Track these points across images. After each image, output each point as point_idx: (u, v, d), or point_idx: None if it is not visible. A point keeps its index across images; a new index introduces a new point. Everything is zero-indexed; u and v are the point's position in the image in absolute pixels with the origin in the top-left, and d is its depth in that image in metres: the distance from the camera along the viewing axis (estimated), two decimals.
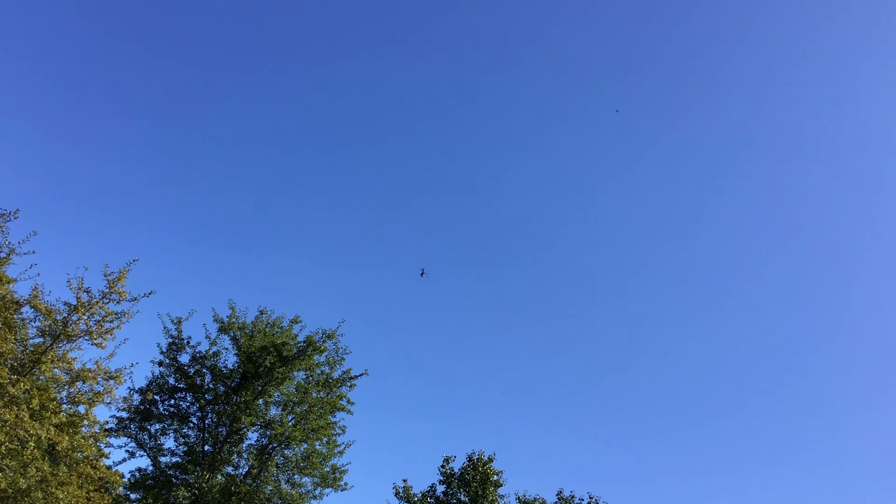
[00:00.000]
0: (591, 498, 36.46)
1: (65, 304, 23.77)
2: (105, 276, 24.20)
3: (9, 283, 23.77)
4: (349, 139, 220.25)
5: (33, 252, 24.05)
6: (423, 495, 36.94)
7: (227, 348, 38.71)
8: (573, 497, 36.56)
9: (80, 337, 23.92)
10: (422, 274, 51.86)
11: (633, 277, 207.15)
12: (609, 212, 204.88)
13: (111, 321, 24.18)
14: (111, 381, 24.55)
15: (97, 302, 23.87)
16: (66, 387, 24.15)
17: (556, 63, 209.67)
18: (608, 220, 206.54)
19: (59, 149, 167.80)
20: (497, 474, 36.65)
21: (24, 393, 21.93)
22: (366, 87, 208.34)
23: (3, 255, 23.73)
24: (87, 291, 23.88)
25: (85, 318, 23.74)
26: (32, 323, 24.23)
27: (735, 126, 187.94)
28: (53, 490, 22.65)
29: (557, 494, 36.85)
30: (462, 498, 35.80)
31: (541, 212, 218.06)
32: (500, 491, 36.82)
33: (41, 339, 24.11)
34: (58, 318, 23.59)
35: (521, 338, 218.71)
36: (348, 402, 40.03)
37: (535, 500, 36.67)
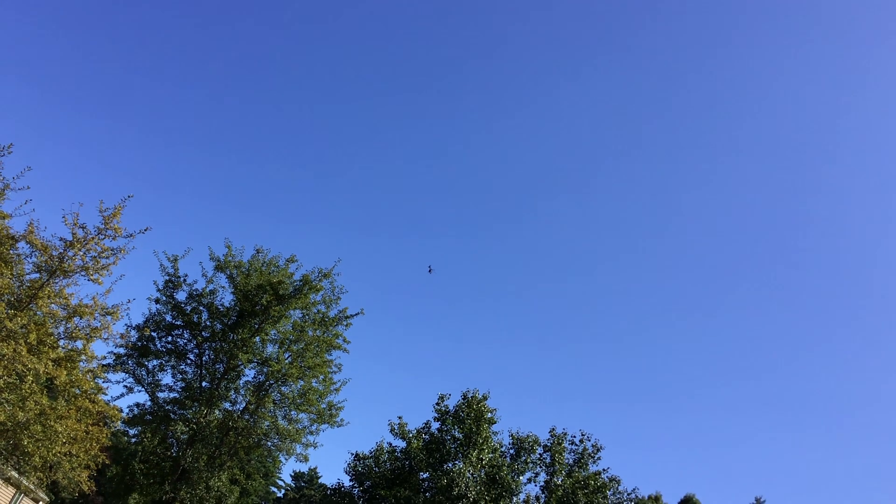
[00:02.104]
0: (583, 435, 36.99)
1: (60, 239, 23.63)
2: (100, 212, 24.04)
3: (4, 218, 23.53)
4: (350, 83, 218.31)
5: (28, 188, 23.77)
6: (419, 432, 37.43)
7: (223, 286, 38.77)
8: (565, 434, 37.05)
9: (76, 272, 23.84)
10: (429, 270, 54.32)
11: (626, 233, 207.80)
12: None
13: (107, 257, 24.09)
14: (108, 317, 24.57)
15: (93, 238, 23.73)
16: (64, 322, 24.15)
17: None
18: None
19: (53, 85, 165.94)
20: (491, 412, 37.08)
21: (21, 328, 21.97)
22: (369, 38, 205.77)
23: None
24: (83, 227, 23.72)
25: (81, 253, 23.64)
26: (28, 258, 24.07)
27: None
28: (52, 423, 22.88)
29: (550, 432, 37.36)
30: (456, 434, 36.26)
31: (536, 173, 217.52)
32: (494, 428, 37.33)
33: (37, 275, 24.02)
34: (54, 253, 23.47)
35: (518, 283, 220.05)
36: (344, 340, 40.27)
37: (527, 436, 37.16)
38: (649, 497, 63.80)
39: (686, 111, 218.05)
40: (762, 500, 79.28)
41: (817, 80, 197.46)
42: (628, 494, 35.34)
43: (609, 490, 34.71)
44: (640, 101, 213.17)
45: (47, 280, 23.57)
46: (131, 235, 24.51)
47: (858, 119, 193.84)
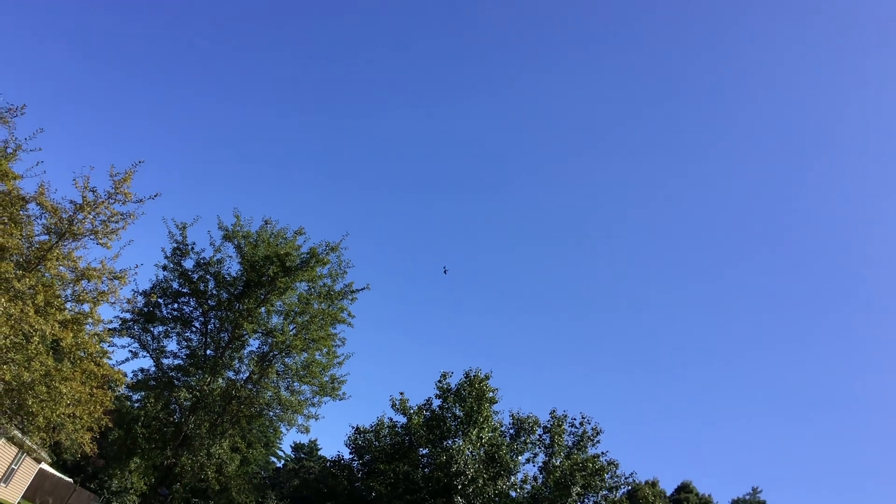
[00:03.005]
0: (583, 418, 37.03)
1: (70, 202, 23.62)
2: (111, 176, 24.02)
3: (15, 179, 23.48)
4: (363, 46, 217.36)
5: (39, 149, 23.68)
6: (420, 408, 37.56)
7: (230, 256, 38.76)
8: (566, 416, 37.09)
9: (85, 236, 23.86)
10: (444, 271, 55.67)
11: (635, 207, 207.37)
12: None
13: (116, 222, 24.09)
14: (116, 282, 24.57)
15: (103, 202, 23.74)
16: (71, 285, 24.20)
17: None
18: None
19: (67, 48, 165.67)
20: (492, 391, 37.14)
21: (29, 289, 22.03)
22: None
23: (9, 150, 23.44)
24: (93, 191, 23.73)
25: (90, 217, 23.65)
26: (38, 220, 24.03)
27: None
28: (57, 384, 22.94)
29: (551, 413, 37.42)
30: (457, 412, 36.36)
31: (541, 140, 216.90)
32: (495, 408, 37.42)
33: (46, 237, 24.04)
34: (63, 216, 23.50)
35: (524, 262, 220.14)
36: (349, 314, 40.35)
37: (528, 417, 37.25)
38: (646, 482, 64.08)
39: (679, 105, 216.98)
40: (759, 489, 79.61)
41: (814, 75, 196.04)
42: (626, 479, 35.38)
43: (607, 473, 34.77)
44: (634, 95, 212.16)
45: (56, 242, 23.60)
46: (141, 201, 24.48)
47: (854, 116, 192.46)
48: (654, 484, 65.58)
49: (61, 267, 23.76)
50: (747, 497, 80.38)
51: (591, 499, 34.77)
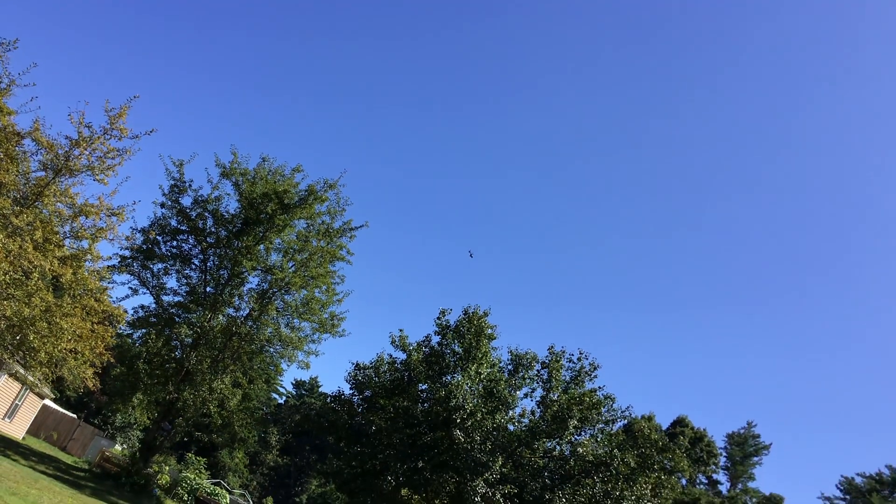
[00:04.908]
0: (580, 353, 37.21)
1: (66, 138, 23.45)
2: (106, 111, 23.80)
3: (10, 114, 23.20)
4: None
5: (34, 84, 23.34)
6: (419, 345, 37.74)
7: (228, 194, 38.74)
8: (563, 352, 37.26)
9: (81, 172, 23.73)
10: (470, 255, 56.79)
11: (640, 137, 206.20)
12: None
13: (113, 157, 23.93)
14: (114, 218, 24.54)
15: (98, 137, 23.55)
16: (69, 221, 24.16)
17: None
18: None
19: None
20: (491, 328, 37.25)
21: (27, 225, 22.00)
22: None
23: (3, 85, 23.10)
24: (89, 126, 23.53)
25: (86, 153, 23.48)
26: (34, 156, 23.83)
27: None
28: (58, 320, 23.06)
29: (549, 349, 37.57)
30: (456, 349, 36.55)
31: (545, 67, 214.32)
32: (493, 344, 37.59)
33: (43, 173, 23.89)
34: (59, 151, 23.32)
35: (526, 203, 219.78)
36: (348, 252, 40.46)
37: (526, 353, 37.46)
38: (642, 416, 65.02)
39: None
40: (753, 423, 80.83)
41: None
42: (622, 412, 35.73)
43: (603, 407, 35.07)
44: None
45: (53, 178, 23.48)
46: (137, 136, 24.30)
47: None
48: (650, 418, 66.58)
49: (59, 203, 23.71)
50: (742, 431, 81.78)
51: (588, 432, 35.24)
